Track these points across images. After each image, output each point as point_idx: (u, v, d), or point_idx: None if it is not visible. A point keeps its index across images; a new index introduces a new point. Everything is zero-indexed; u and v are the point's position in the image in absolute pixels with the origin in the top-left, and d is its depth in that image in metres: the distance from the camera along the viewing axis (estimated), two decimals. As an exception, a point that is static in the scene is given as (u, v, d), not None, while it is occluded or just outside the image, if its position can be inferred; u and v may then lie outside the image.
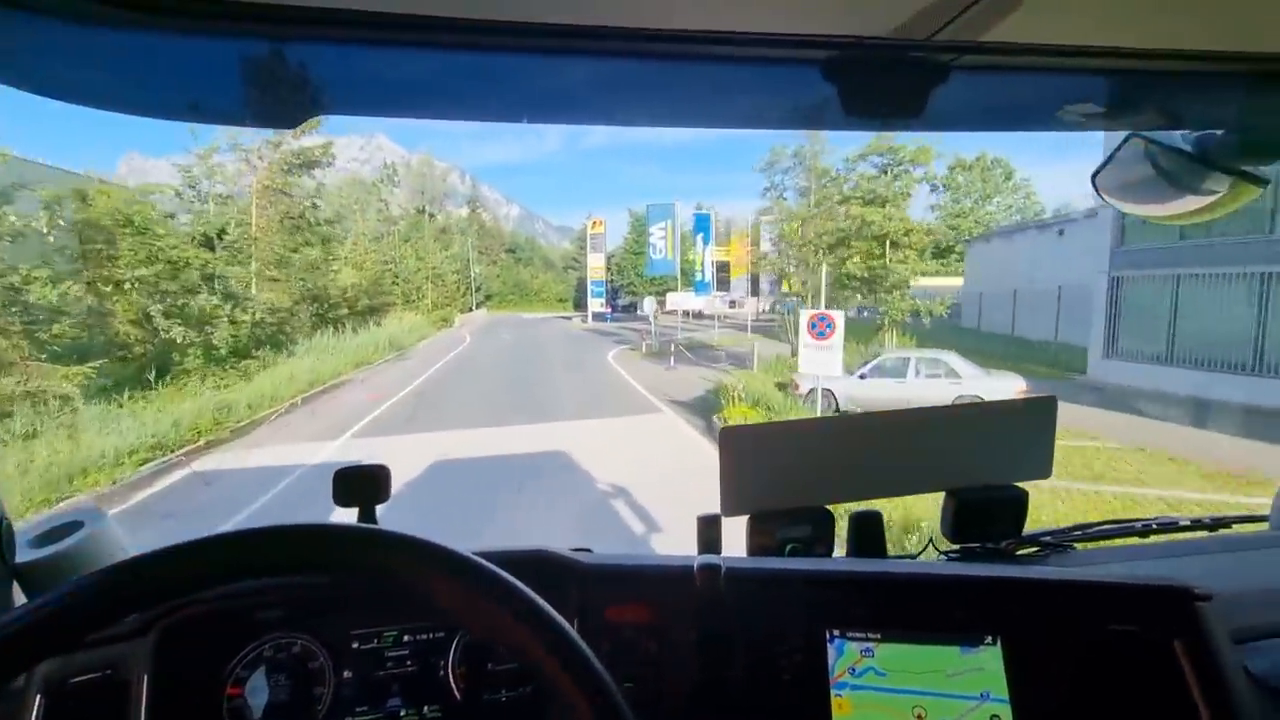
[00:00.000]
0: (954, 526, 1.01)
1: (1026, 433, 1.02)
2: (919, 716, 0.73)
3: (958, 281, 40.48)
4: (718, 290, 26.14)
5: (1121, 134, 0.98)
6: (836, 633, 0.77)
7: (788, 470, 0.95)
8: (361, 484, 0.84)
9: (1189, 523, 1.17)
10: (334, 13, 0.52)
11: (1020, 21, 0.65)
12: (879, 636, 0.77)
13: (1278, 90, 0.87)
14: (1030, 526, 1.08)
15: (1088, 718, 0.74)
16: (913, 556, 1.05)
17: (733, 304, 39.47)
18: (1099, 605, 0.77)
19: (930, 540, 1.07)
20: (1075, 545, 1.10)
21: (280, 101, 0.66)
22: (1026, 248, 24.75)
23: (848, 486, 0.99)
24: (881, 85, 0.75)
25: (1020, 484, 1.02)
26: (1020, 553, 1.05)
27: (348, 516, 0.73)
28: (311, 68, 0.61)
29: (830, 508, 0.99)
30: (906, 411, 0.99)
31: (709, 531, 0.91)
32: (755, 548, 0.95)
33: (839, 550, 1.00)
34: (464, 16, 0.55)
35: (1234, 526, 1.20)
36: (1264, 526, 1.26)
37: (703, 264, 23.26)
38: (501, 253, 71.60)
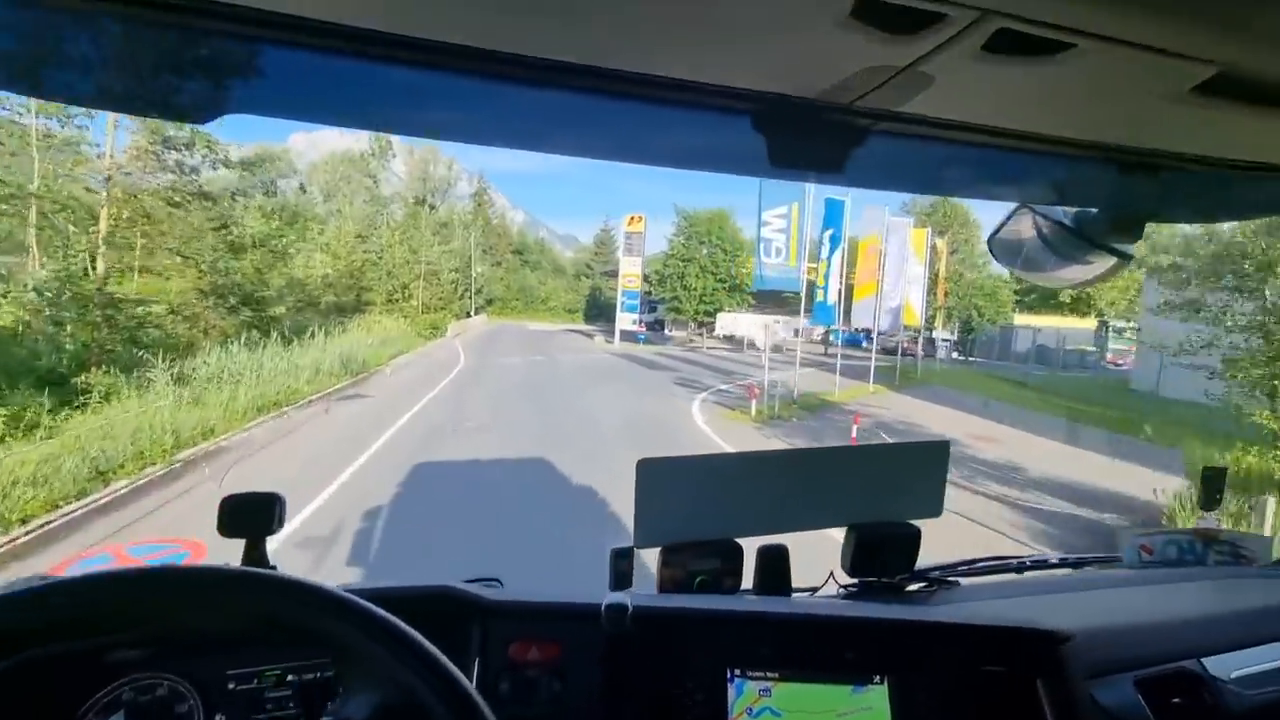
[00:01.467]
0: (853, 561, 1.05)
1: (922, 474, 1.08)
2: None
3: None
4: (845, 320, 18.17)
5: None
6: (737, 672, 0.79)
7: (701, 503, 0.96)
8: (250, 513, 0.85)
9: (1056, 560, 1.35)
10: (259, 12, 0.53)
11: (930, 98, 0.76)
12: (777, 676, 0.79)
13: (1138, 179, 1.05)
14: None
15: None
16: (814, 590, 1.09)
17: (797, 332, 31.64)
18: (975, 646, 0.83)
19: (830, 574, 1.09)
20: (960, 581, 1.16)
21: (189, 94, 0.66)
22: None
23: (756, 520, 1.00)
24: (806, 141, 0.83)
25: (914, 521, 1.07)
26: (911, 588, 1.10)
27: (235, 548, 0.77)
28: (225, 63, 0.60)
29: (740, 541, 1.00)
30: (813, 450, 1.12)
31: (620, 564, 0.91)
32: (666, 580, 0.95)
33: (747, 583, 1.03)
34: (391, 31, 0.56)
35: (1095, 565, 1.40)
36: (1118, 566, 1.43)
37: (827, 277, 15.24)
38: (508, 253, 63.89)
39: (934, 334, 32.54)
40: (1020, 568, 1.26)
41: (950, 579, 1.16)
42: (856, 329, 30.85)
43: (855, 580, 1.09)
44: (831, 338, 31.97)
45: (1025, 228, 1.17)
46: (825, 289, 15.48)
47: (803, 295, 16.03)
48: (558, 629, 0.83)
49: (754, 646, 0.81)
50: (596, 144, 0.91)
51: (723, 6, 0.57)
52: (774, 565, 1.05)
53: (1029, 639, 0.84)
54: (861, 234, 18.37)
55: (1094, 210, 1.13)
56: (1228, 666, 1.01)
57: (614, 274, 60.25)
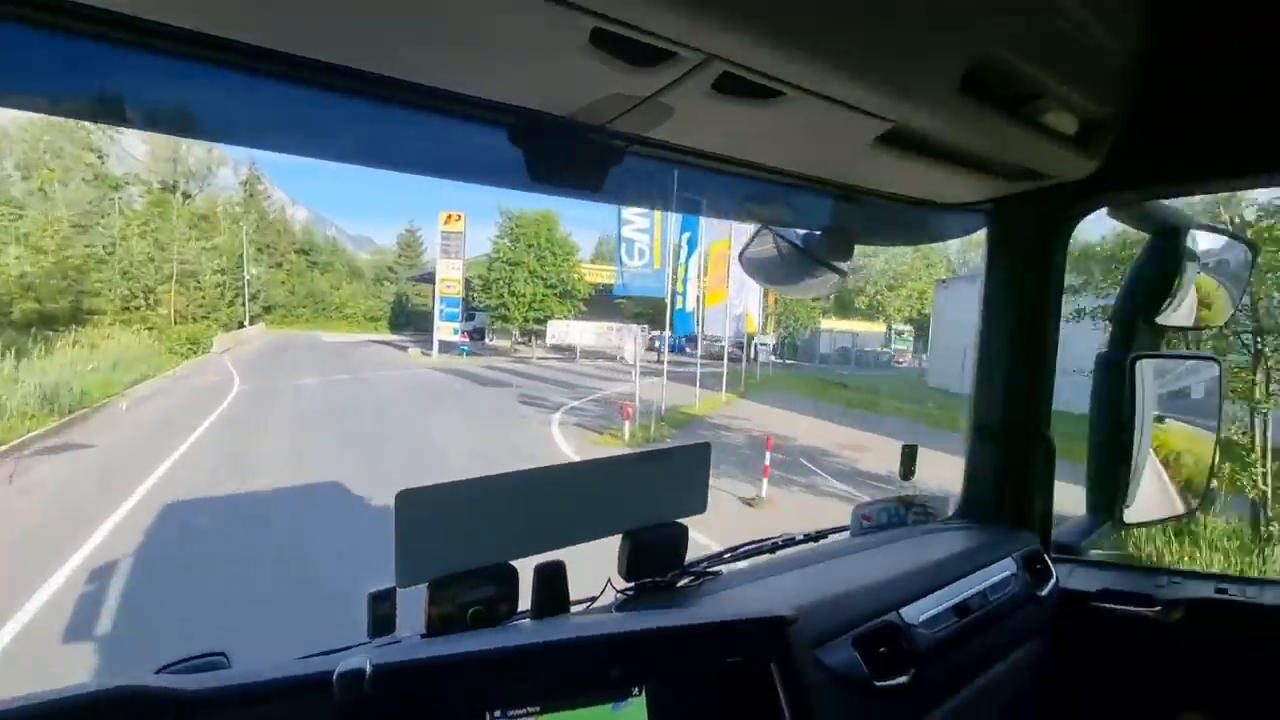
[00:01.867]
0: (628, 566, 1.07)
1: (687, 476, 1.12)
2: None
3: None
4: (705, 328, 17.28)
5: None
6: (498, 714, 0.76)
7: (469, 530, 0.92)
8: None
9: (801, 537, 1.41)
10: None
11: (673, 127, 0.87)
12: (539, 709, 0.77)
13: (847, 208, 1.35)
14: None
15: None
16: (593, 599, 1.09)
17: (655, 342, 30.95)
18: (716, 642, 0.87)
19: (608, 581, 1.10)
20: (722, 570, 1.21)
21: None
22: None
23: (530, 540, 0.98)
24: (564, 158, 0.88)
25: (682, 520, 1.11)
26: (681, 584, 1.14)
27: None
28: None
29: (517, 563, 0.98)
30: (584, 462, 1.05)
31: (380, 609, 0.86)
32: (434, 618, 0.90)
33: (525, 605, 1.00)
34: (121, 11, 0.57)
35: (830, 537, 1.51)
36: (848, 535, 1.58)
37: (685, 283, 14.25)
38: (290, 253, 55.24)
39: (755, 339, 34.09)
40: (774, 547, 1.35)
41: (713, 570, 1.20)
42: (708, 337, 31.28)
43: (631, 584, 1.10)
44: (656, 344, 31.91)
45: (767, 246, 1.39)
46: (684, 294, 14.48)
47: (669, 301, 14.86)
48: (282, 709, 0.71)
49: (515, 682, 0.77)
50: (352, 147, 0.92)
51: (478, 20, 0.61)
52: (551, 584, 1.02)
53: (761, 626, 0.89)
54: (712, 239, 17.86)
55: (817, 232, 1.43)
56: (916, 613, 1.19)
57: (423, 279, 55.32)
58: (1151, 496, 1.53)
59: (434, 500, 0.90)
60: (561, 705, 0.79)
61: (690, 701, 0.85)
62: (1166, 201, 1.52)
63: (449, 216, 27.99)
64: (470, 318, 43.62)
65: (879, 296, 35.08)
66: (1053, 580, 1.49)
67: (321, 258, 59.44)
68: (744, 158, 1.06)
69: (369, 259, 69.15)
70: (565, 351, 31.35)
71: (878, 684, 1.05)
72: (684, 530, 1.12)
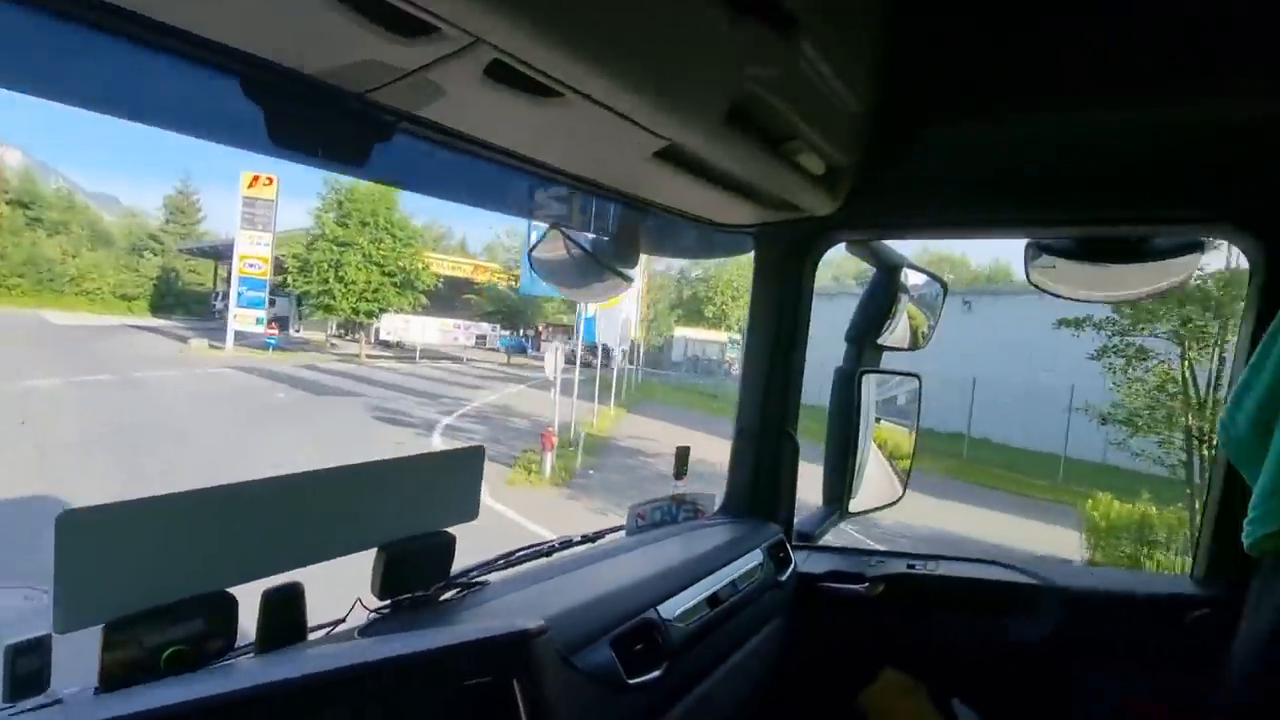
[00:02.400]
0: (384, 583, 0.97)
1: (457, 481, 1.06)
2: None
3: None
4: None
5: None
6: None
7: (168, 553, 0.77)
8: None
9: (579, 539, 1.42)
10: None
11: (445, 108, 0.84)
12: None
13: (632, 216, 1.41)
14: None
15: None
16: (336, 624, 0.98)
17: (481, 339, 27.94)
18: (458, 665, 0.81)
19: (357, 601, 0.98)
20: (490, 579, 1.16)
21: None
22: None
23: (254, 562, 0.83)
24: (318, 125, 0.82)
25: (449, 528, 1.04)
26: (444, 598, 1.07)
27: None
28: None
29: (240, 589, 0.83)
30: (327, 471, 0.92)
31: (25, 663, 0.67)
32: (112, 665, 0.71)
33: (252, 637, 0.87)
34: None
35: (607, 537, 1.52)
36: (622, 535, 1.59)
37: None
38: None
39: (607, 345, 33.00)
40: (550, 550, 1.34)
41: (480, 580, 1.15)
42: (598, 344, 29.03)
43: (386, 602, 1.00)
44: (499, 345, 29.21)
45: (557, 247, 1.37)
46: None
47: (580, 309, 12.86)
48: None
49: None
50: (69, 86, 0.80)
51: None
52: (281, 611, 0.87)
53: (506, 644, 0.86)
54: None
55: (605, 238, 1.48)
56: (673, 608, 1.22)
57: (200, 252, 45.65)
58: (870, 488, 1.86)
59: (115, 521, 0.73)
60: None
61: None
62: (888, 242, 1.77)
63: (254, 179, 22.67)
64: (270, 304, 36.64)
65: (724, 306, 35.88)
66: (791, 566, 1.66)
67: (49, 214, 46.16)
68: (527, 154, 1.06)
69: (119, 221, 55.46)
70: (398, 350, 27.23)
71: (631, 681, 1.06)
72: (451, 540, 1.04)
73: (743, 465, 1.78)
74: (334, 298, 23.25)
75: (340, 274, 23.08)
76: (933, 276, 2.02)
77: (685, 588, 1.29)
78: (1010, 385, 15.30)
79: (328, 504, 0.91)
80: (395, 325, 25.78)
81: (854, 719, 1.67)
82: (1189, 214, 1.32)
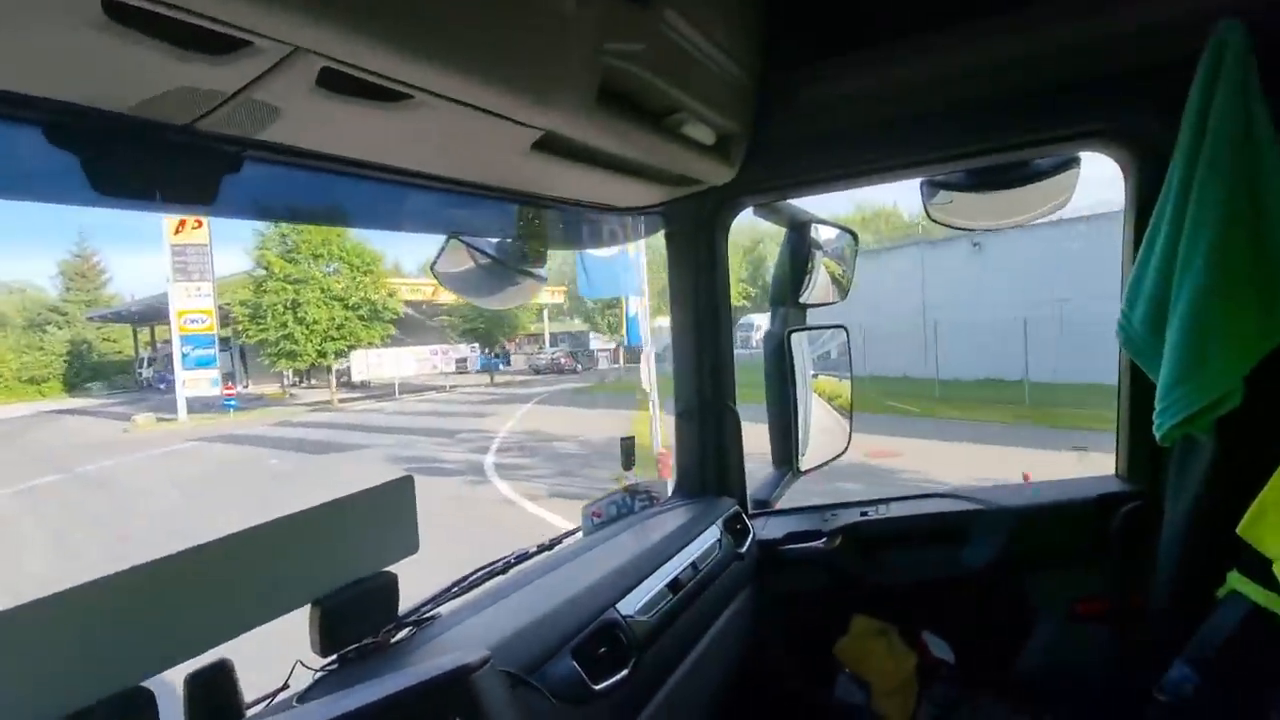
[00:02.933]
0: (323, 639, 0.89)
1: (389, 515, 0.98)
2: None
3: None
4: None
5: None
6: None
7: (64, 658, 0.66)
8: None
9: (535, 549, 1.36)
10: None
11: (284, 128, 0.76)
12: None
13: (532, 215, 1.43)
14: None
15: None
16: (275, 694, 0.89)
17: (462, 363, 25.82)
18: (402, 714, 0.75)
19: (297, 663, 0.90)
20: (441, 611, 1.11)
21: None
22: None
23: (171, 646, 0.74)
24: (151, 165, 0.75)
25: (389, 567, 0.97)
26: (395, 639, 1.00)
27: None
28: None
29: (157, 680, 0.73)
30: (243, 532, 0.81)
31: None
32: None
33: None
34: None
35: (565, 541, 1.48)
36: (580, 537, 1.57)
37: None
38: None
39: (592, 343, 31.37)
40: (506, 567, 1.29)
41: (430, 615, 1.09)
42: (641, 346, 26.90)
43: (333, 658, 0.93)
44: (478, 366, 27.16)
45: (462, 257, 1.35)
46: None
47: (623, 305, 11.32)
48: None
49: None
50: None
51: None
52: (209, 694, 0.79)
53: (441, 686, 0.80)
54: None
55: (510, 240, 1.44)
56: (634, 602, 1.20)
57: (114, 317, 41.17)
58: (817, 444, 1.82)
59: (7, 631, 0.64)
60: None
61: None
62: (794, 201, 1.73)
63: (180, 224, 19.92)
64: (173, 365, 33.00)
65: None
66: (750, 536, 1.66)
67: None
68: (395, 164, 1.00)
69: (8, 300, 49.58)
70: (369, 389, 24.81)
71: (596, 687, 1.03)
72: (392, 579, 0.97)
73: (688, 445, 1.79)
74: (296, 342, 20.58)
75: (299, 315, 20.49)
76: (842, 229, 1.99)
77: (644, 579, 1.28)
78: (1059, 320, 14.76)
79: (249, 567, 0.83)
80: (367, 362, 23.30)
81: (834, 671, 1.72)
82: (1061, 133, 1.32)
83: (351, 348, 21.99)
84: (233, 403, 20.09)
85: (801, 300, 1.79)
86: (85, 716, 0.66)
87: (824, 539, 1.68)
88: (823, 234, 1.84)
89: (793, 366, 1.72)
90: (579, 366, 32.02)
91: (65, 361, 41.65)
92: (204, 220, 20.33)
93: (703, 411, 1.73)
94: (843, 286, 1.96)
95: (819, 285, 1.84)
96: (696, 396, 1.73)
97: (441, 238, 1.36)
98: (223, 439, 15.62)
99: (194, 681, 0.77)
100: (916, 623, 1.70)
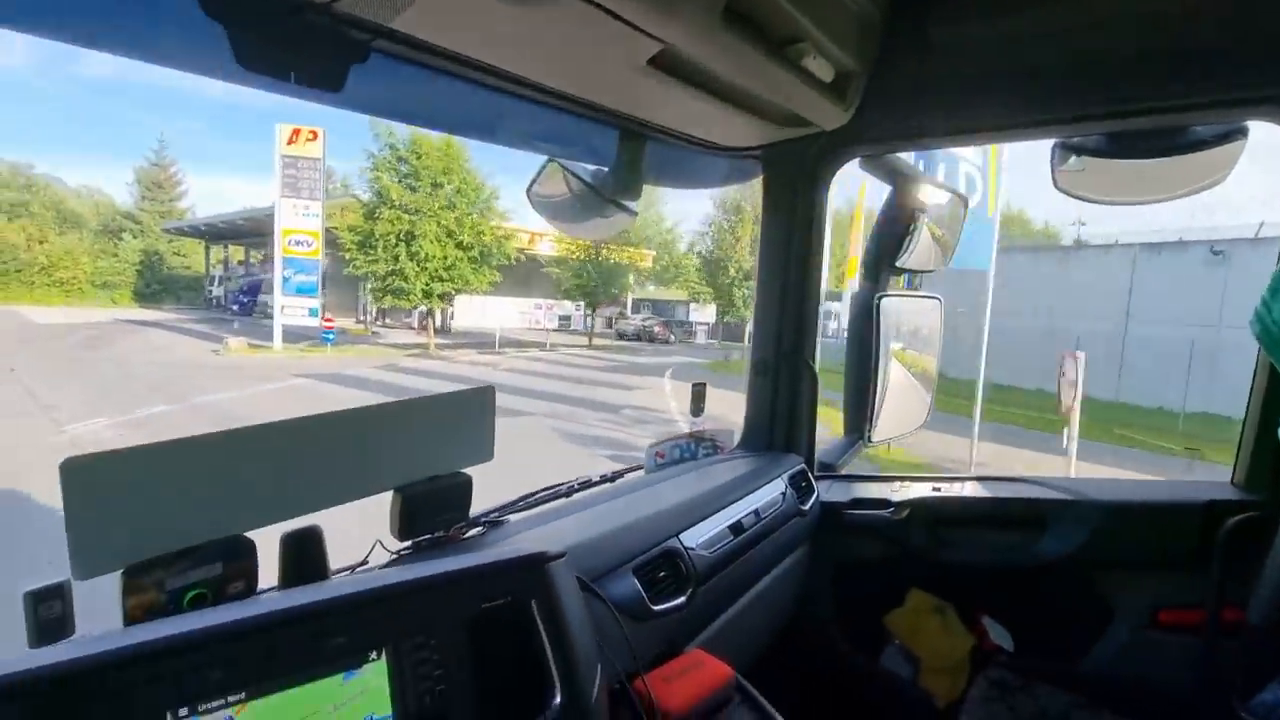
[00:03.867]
0: (402, 524, 0.98)
1: (470, 422, 1.04)
2: None
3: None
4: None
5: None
6: (184, 713, 0.62)
7: (182, 499, 0.77)
8: None
9: (597, 478, 1.43)
10: None
11: (419, 18, 0.79)
12: (243, 697, 0.64)
13: (630, 144, 1.37)
14: None
15: (465, 696, 0.76)
16: (355, 566, 0.98)
17: (565, 320, 23.71)
18: (476, 587, 0.81)
19: (377, 543, 1.00)
20: (510, 518, 1.17)
21: None
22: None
23: (271, 506, 0.84)
24: (283, 41, 0.76)
25: (465, 469, 1.04)
26: (465, 536, 1.09)
27: None
28: None
29: (259, 533, 0.84)
30: (342, 413, 0.89)
31: (47, 609, 0.69)
32: (134, 608, 0.74)
33: (270, 580, 0.86)
34: None
35: (626, 476, 1.52)
36: (641, 473, 1.60)
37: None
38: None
39: (690, 316, 28.94)
40: (570, 491, 1.35)
41: (500, 519, 1.16)
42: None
43: (407, 543, 1.01)
44: (576, 323, 24.72)
45: (557, 182, 1.33)
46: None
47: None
48: None
49: (208, 672, 0.64)
50: (19, 13, 0.77)
51: None
52: (301, 552, 0.87)
53: (522, 566, 0.85)
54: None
55: (605, 169, 1.40)
56: (695, 536, 1.24)
57: (186, 231, 40.08)
58: (891, 416, 1.73)
59: (124, 467, 0.73)
60: (276, 687, 0.66)
61: (442, 655, 0.76)
62: (903, 156, 1.66)
63: (294, 133, 17.91)
64: (251, 289, 31.41)
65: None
66: (814, 495, 1.66)
67: (3, 194, 40.10)
68: (514, 71, 1.02)
69: (86, 199, 49.06)
70: (466, 338, 22.90)
71: (655, 608, 1.08)
72: (468, 480, 1.04)
73: (760, 398, 1.76)
74: (406, 278, 18.61)
75: (413, 249, 18.45)
76: (952, 191, 1.87)
77: (706, 518, 1.30)
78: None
79: (342, 447, 0.90)
80: (471, 309, 21.34)
81: (881, 641, 1.71)
82: (1227, 96, 1.16)
83: (458, 291, 19.96)
84: (331, 336, 18.29)
85: (899, 264, 1.71)
86: (197, 551, 0.77)
87: (891, 509, 1.67)
88: (931, 195, 1.73)
89: (879, 333, 1.64)
90: (672, 337, 29.75)
91: (137, 271, 40.96)
92: (319, 132, 18.32)
93: (779, 366, 1.73)
94: (945, 253, 1.83)
95: (919, 250, 1.72)
96: (775, 350, 1.73)
97: (540, 160, 1.37)
98: (334, 380, 13.76)
99: (288, 540, 0.86)
100: (977, 605, 1.68)
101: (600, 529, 1.15)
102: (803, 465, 1.69)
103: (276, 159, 17.82)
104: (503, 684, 0.79)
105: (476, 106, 1.14)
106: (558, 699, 0.79)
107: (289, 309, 18.31)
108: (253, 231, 31.34)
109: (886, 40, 1.27)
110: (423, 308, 20.68)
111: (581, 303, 23.79)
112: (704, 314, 28.49)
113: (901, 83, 1.33)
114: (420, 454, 0.98)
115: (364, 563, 0.99)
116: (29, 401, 9.87)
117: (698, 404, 1.76)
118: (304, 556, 0.86)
